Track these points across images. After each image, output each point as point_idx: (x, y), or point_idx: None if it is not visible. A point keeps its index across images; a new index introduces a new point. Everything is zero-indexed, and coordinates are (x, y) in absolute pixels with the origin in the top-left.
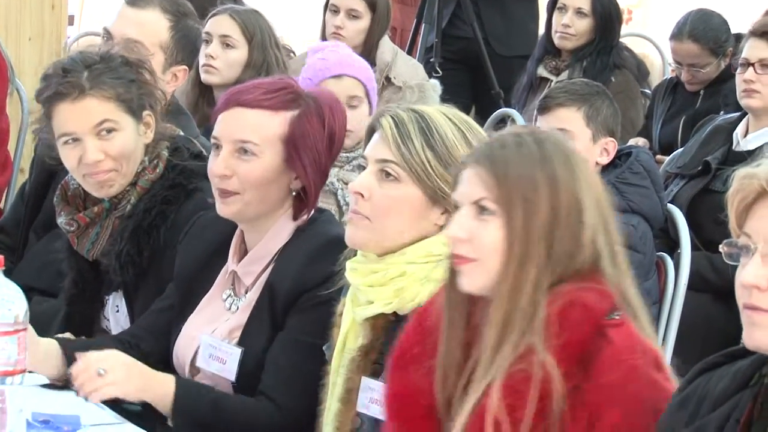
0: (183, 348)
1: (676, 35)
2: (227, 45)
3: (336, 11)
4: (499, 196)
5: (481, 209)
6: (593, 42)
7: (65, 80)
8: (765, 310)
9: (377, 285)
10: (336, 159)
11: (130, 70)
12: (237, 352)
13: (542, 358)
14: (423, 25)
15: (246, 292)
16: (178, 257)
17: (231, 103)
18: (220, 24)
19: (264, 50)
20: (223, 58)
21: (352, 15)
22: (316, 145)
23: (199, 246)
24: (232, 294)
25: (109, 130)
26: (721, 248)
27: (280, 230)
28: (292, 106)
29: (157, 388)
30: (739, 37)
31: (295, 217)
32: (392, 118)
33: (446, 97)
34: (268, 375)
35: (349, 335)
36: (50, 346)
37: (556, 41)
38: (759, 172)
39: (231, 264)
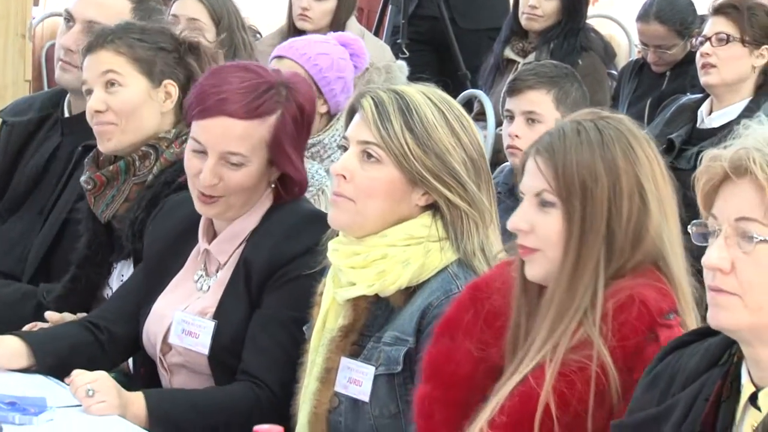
0: (154, 327)
1: (643, 17)
2: (195, 28)
3: None
4: (558, 189)
5: (543, 201)
6: (560, 23)
7: (94, 35)
8: (728, 292)
9: (359, 267)
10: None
11: (171, 41)
12: (210, 326)
13: (599, 351)
14: (389, 6)
15: (218, 271)
16: (148, 238)
17: (214, 111)
18: (186, 7)
19: (231, 33)
20: None
21: None
22: (298, 137)
23: (169, 227)
24: (204, 274)
25: (113, 83)
26: (690, 229)
27: (256, 211)
28: (274, 109)
29: (131, 407)
30: (704, 19)
31: (276, 201)
32: (372, 98)
33: (413, 78)
34: (248, 354)
35: (329, 315)
36: (13, 343)
37: (523, 22)
38: (724, 153)
39: (202, 243)
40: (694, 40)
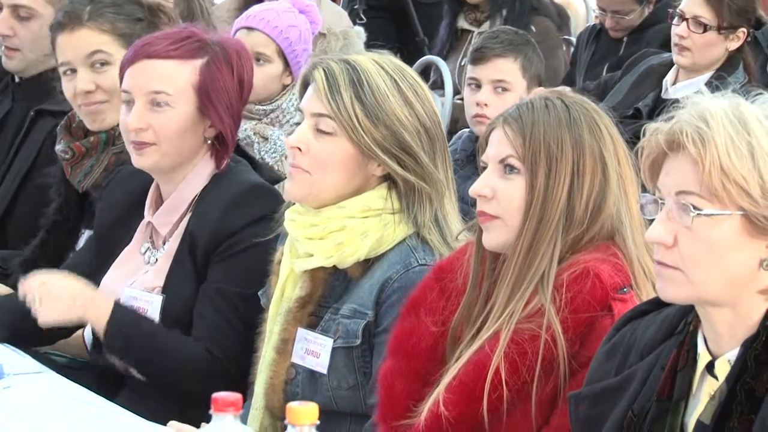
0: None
1: None
2: None
3: None
4: (524, 155)
5: (507, 167)
6: None
7: (66, 12)
8: (671, 267)
9: (317, 238)
10: (246, 104)
11: (140, 9)
12: (158, 300)
13: (550, 320)
14: None
15: (164, 243)
16: (98, 211)
17: (139, 56)
18: None
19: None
20: None
21: None
22: (227, 91)
23: (118, 199)
24: (151, 247)
25: (103, 63)
26: (640, 202)
27: (195, 178)
28: (200, 54)
29: (95, 310)
30: None
31: (218, 165)
32: (324, 70)
33: (371, 44)
34: (197, 329)
35: (287, 285)
36: None
37: None
38: (661, 127)
39: (147, 216)
40: (654, 6)
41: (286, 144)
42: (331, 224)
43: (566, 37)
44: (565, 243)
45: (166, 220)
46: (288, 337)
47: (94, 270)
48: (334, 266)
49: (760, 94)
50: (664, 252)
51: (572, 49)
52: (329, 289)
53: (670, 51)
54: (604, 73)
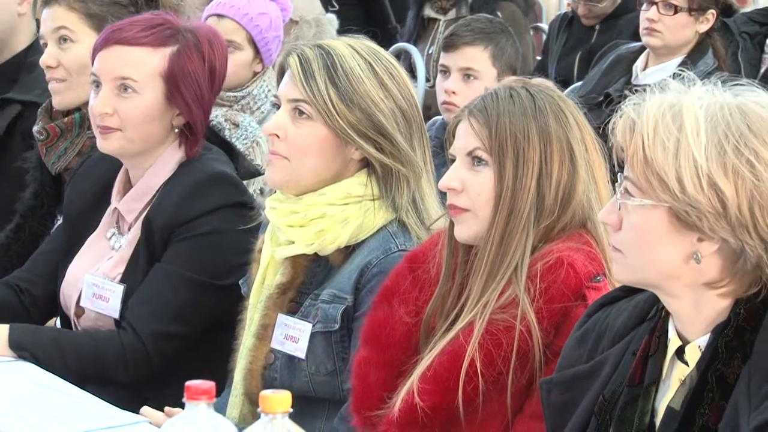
0: (68, 289)
1: None
2: None
3: None
4: (491, 147)
5: (475, 160)
6: None
7: None
8: (615, 248)
9: (297, 225)
10: (218, 94)
11: None
12: (119, 290)
13: (525, 311)
14: None
15: (129, 229)
16: (66, 197)
17: (110, 41)
18: None
19: None
20: None
21: None
22: (197, 80)
23: (86, 186)
24: (117, 232)
25: (65, 39)
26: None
27: (163, 166)
28: (171, 42)
29: None
30: None
31: (187, 154)
32: (299, 56)
33: (343, 32)
34: (132, 302)
35: (267, 272)
36: None
37: None
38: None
39: (114, 201)
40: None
41: (264, 131)
42: (312, 211)
43: (538, 24)
44: (538, 232)
45: (132, 206)
46: (268, 323)
47: (62, 259)
48: (315, 253)
49: (741, 85)
50: (613, 234)
51: (544, 37)
52: (310, 275)
53: (640, 40)
54: (576, 62)
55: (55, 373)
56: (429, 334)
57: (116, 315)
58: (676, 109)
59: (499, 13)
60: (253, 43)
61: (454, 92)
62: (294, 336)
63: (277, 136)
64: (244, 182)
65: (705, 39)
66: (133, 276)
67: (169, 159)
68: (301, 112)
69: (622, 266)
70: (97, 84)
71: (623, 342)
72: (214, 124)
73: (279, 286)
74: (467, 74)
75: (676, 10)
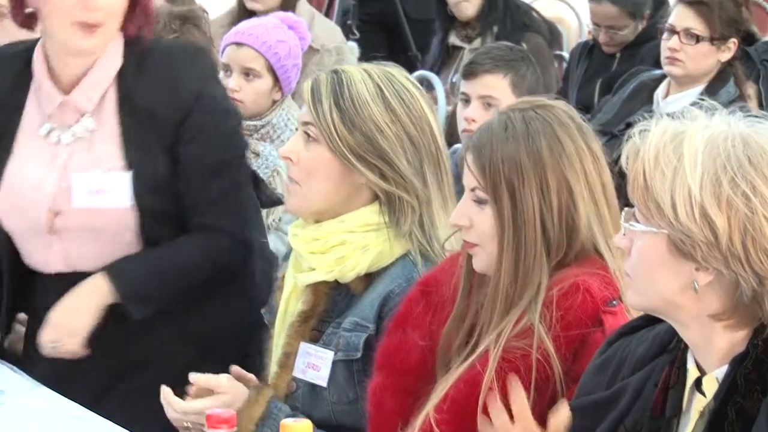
0: (26, 197)
1: None
2: None
3: None
4: (486, 185)
5: (477, 198)
6: (488, 1)
7: None
8: (627, 273)
9: (318, 252)
10: None
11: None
12: (125, 177)
13: (541, 338)
14: None
15: (81, 119)
16: None
17: None
18: None
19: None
20: None
21: None
22: None
23: None
24: (55, 126)
25: None
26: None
27: (111, 48)
28: None
29: (99, 294)
30: (657, 1)
31: (128, 33)
32: (312, 81)
33: (364, 60)
34: (202, 213)
35: (290, 300)
36: None
37: (457, 14)
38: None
39: (55, 95)
40: (648, 22)
41: (279, 154)
42: (332, 238)
43: (558, 52)
44: (551, 263)
45: (90, 94)
46: (290, 351)
47: None
48: (336, 281)
49: (755, 117)
50: (625, 259)
51: (564, 65)
52: (331, 303)
53: (661, 69)
54: (596, 89)
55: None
56: (446, 355)
57: (127, 203)
58: (680, 137)
59: (524, 44)
60: (272, 70)
61: (474, 120)
62: (316, 364)
63: (291, 160)
64: (264, 210)
65: (726, 67)
66: (139, 165)
67: (115, 43)
68: (309, 136)
69: (632, 291)
70: None
71: (643, 371)
72: None
73: (301, 314)
74: (487, 102)
75: (697, 39)
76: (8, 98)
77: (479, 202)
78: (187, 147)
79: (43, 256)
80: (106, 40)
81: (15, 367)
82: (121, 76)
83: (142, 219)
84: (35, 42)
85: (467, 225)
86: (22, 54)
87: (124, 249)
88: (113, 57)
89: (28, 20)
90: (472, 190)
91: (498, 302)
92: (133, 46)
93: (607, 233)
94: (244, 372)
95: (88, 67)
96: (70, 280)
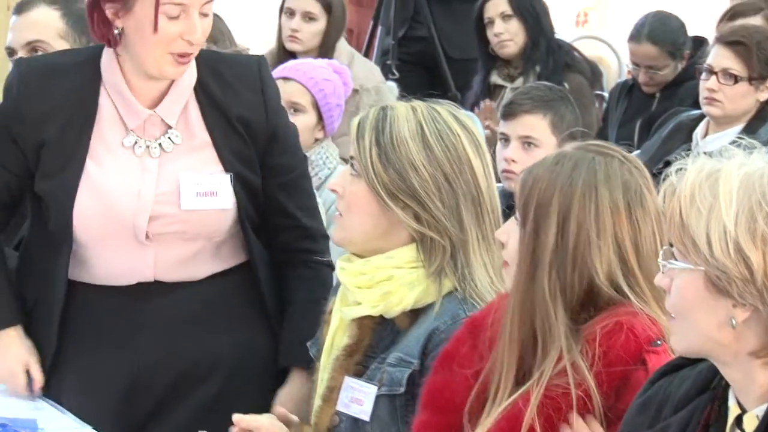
0: (121, 206)
1: (635, 37)
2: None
3: (291, 14)
4: (520, 209)
5: (516, 217)
6: (531, 41)
7: None
8: (669, 314)
9: (365, 287)
10: None
11: None
12: (226, 179)
13: (583, 375)
14: (379, 27)
15: (167, 132)
16: (27, 110)
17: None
18: None
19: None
20: None
21: (308, 17)
22: None
23: (49, 102)
24: (141, 139)
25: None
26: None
27: (192, 67)
28: None
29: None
30: (696, 41)
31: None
32: (361, 116)
33: (403, 99)
34: (302, 218)
35: (337, 334)
36: None
37: (499, 53)
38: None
39: (139, 110)
40: (687, 62)
41: (329, 187)
42: (379, 273)
43: (598, 92)
44: (564, 305)
45: (172, 110)
46: (334, 385)
47: (44, 180)
48: (382, 316)
49: None
50: (666, 298)
51: (604, 105)
52: (377, 338)
53: (701, 108)
54: (636, 129)
55: None
56: (494, 395)
57: (230, 205)
58: (715, 175)
59: (566, 84)
60: (316, 107)
61: (513, 160)
62: (359, 399)
63: (337, 193)
64: None
65: (765, 107)
66: (235, 170)
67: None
68: (353, 169)
69: (676, 335)
70: (177, 15)
71: (686, 410)
72: None
73: (345, 348)
74: (527, 142)
75: (736, 79)
76: (78, 108)
77: (517, 223)
78: (279, 157)
79: (128, 265)
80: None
81: (59, 406)
82: (201, 85)
83: (243, 225)
84: (97, 50)
85: (505, 240)
86: (88, 63)
87: (212, 259)
88: (192, 68)
89: (109, 38)
90: (515, 211)
91: (510, 329)
92: (200, 57)
93: (641, 292)
94: (287, 413)
95: (168, 83)
96: (142, 292)
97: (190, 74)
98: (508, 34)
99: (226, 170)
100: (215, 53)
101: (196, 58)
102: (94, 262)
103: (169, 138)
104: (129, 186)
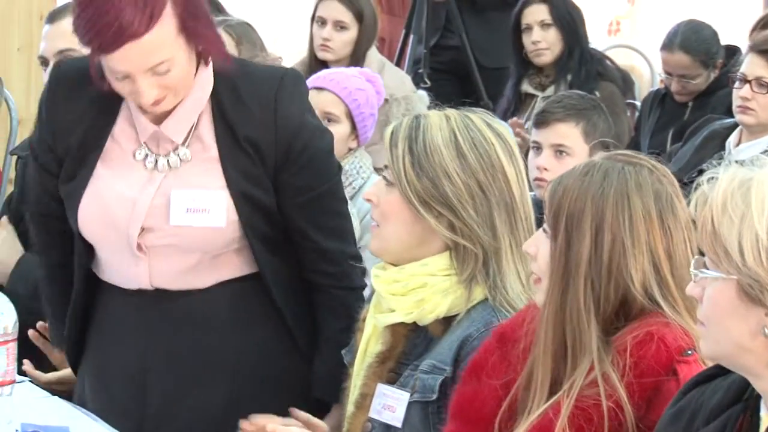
0: (118, 215)
1: (668, 46)
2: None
3: (323, 23)
4: (550, 220)
5: (545, 229)
6: (569, 52)
7: None
8: (700, 322)
9: (399, 294)
10: None
11: None
12: (223, 196)
13: (614, 386)
14: (411, 36)
15: (176, 149)
16: (55, 117)
17: (119, 42)
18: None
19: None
20: None
21: (340, 27)
22: (199, 8)
23: (76, 108)
24: (149, 152)
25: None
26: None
27: (203, 84)
28: (160, 7)
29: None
30: (729, 49)
31: (206, 61)
32: (394, 125)
33: (434, 108)
34: (320, 239)
35: (370, 341)
36: None
37: (534, 60)
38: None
39: (147, 126)
40: (720, 71)
41: (363, 197)
42: (413, 281)
43: (630, 101)
44: (603, 315)
45: (179, 128)
46: (367, 392)
47: (64, 183)
48: (415, 323)
49: None
50: (698, 307)
51: (636, 114)
52: (410, 346)
53: (734, 116)
54: (669, 138)
55: None
56: (525, 407)
57: (222, 223)
58: (747, 184)
59: (597, 93)
60: (350, 117)
61: (546, 168)
62: (391, 405)
63: (372, 202)
64: None
65: None
66: (237, 188)
67: (204, 77)
68: (386, 179)
69: (705, 340)
70: (127, 76)
71: (718, 421)
72: None
73: (378, 355)
74: (559, 150)
75: None
76: (100, 116)
77: (546, 233)
78: (293, 177)
79: (127, 272)
80: (180, 96)
81: (92, 414)
82: (216, 101)
83: (249, 240)
84: None
85: (533, 254)
86: None
87: (211, 270)
88: (203, 86)
89: None
90: (544, 221)
91: (545, 342)
92: (222, 70)
93: (673, 301)
94: (309, 416)
95: (174, 101)
96: (150, 297)
97: (202, 89)
98: (545, 43)
99: (230, 188)
100: (240, 65)
101: (216, 71)
102: (103, 264)
103: (179, 155)
104: (128, 196)
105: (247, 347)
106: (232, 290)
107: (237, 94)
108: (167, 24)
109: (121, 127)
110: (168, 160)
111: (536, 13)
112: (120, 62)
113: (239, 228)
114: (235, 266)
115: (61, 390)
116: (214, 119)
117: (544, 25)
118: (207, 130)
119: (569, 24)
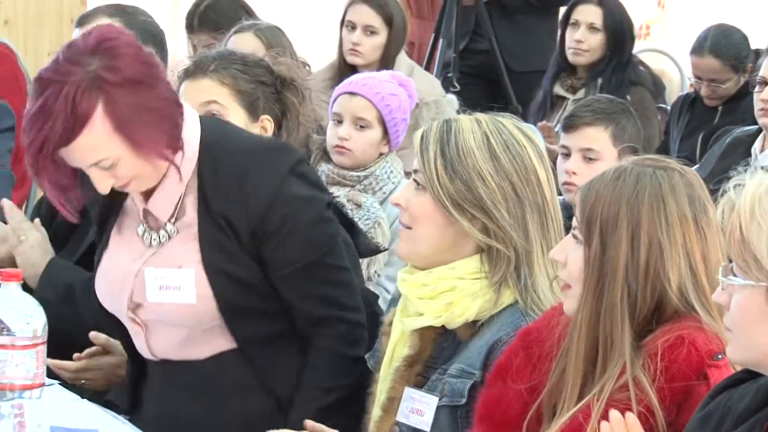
0: (114, 289)
1: (697, 50)
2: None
3: (353, 27)
4: (582, 227)
5: (575, 236)
6: (606, 58)
7: (194, 62)
8: (727, 327)
9: (427, 298)
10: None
11: (268, 75)
12: (190, 274)
13: (644, 390)
14: (440, 40)
15: (165, 225)
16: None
17: (58, 147)
18: (243, 42)
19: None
20: None
21: (369, 31)
22: (143, 100)
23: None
24: (147, 228)
25: (214, 114)
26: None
27: (189, 157)
28: (93, 103)
29: None
30: (758, 54)
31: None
32: (424, 129)
33: (464, 112)
34: (310, 308)
35: (397, 345)
36: None
37: (570, 57)
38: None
39: (139, 203)
40: (747, 75)
41: (391, 201)
42: (442, 284)
43: (661, 105)
44: (637, 320)
45: (163, 205)
46: (395, 395)
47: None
48: (444, 327)
49: None
50: (725, 314)
51: (667, 118)
52: (438, 350)
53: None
54: (698, 142)
55: None
56: (552, 409)
57: (192, 300)
58: None
59: (629, 97)
60: (382, 122)
61: (574, 173)
62: (419, 409)
63: (401, 206)
64: (365, 261)
65: None
66: (213, 266)
67: (189, 151)
68: (417, 182)
69: (733, 346)
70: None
71: (746, 425)
72: (337, 201)
73: (406, 358)
74: (588, 155)
75: None
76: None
77: (576, 240)
78: (273, 252)
79: (137, 342)
80: (146, 180)
81: (120, 417)
82: (200, 174)
83: (225, 315)
84: None
85: (562, 260)
86: None
87: (208, 342)
88: (189, 158)
89: None
90: (574, 228)
91: (580, 349)
92: (206, 143)
93: (707, 304)
94: (323, 427)
95: (160, 178)
96: (160, 365)
97: (189, 162)
98: (587, 44)
99: (204, 263)
100: (223, 135)
101: (203, 141)
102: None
103: (166, 231)
104: (121, 271)
105: (242, 416)
106: (222, 361)
107: (216, 168)
108: (98, 127)
109: (130, 202)
110: (159, 236)
111: (588, 13)
112: (66, 159)
113: (213, 303)
114: (228, 338)
115: (88, 378)
116: (198, 192)
117: (592, 27)
118: (191, 205)
119: (616, 34)
